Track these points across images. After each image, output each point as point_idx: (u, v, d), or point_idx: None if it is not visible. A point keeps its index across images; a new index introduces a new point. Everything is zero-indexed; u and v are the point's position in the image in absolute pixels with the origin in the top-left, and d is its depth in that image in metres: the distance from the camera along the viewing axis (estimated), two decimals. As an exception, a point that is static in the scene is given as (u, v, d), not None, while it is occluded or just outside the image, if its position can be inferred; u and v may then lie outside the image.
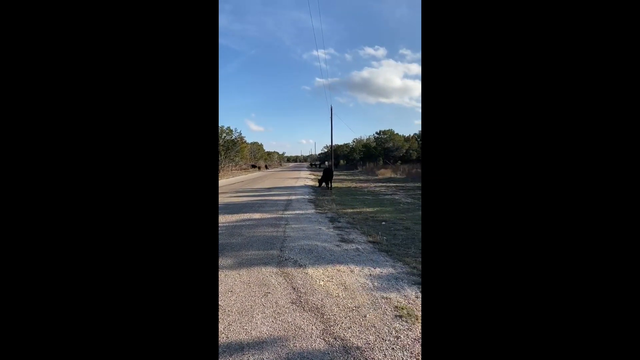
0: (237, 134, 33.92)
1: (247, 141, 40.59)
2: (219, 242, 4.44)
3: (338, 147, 47.13)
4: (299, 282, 3.01)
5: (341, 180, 16.27)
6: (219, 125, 31.96)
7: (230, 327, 2.21)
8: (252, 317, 2.35)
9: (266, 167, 44.52)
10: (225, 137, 32.48)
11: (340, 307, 2.51)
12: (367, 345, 1.99)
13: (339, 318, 2.33)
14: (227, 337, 2.08)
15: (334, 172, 14.08)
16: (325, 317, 2.35)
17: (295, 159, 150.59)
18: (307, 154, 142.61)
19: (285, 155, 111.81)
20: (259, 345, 2.00)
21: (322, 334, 2.12)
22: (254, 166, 42.77)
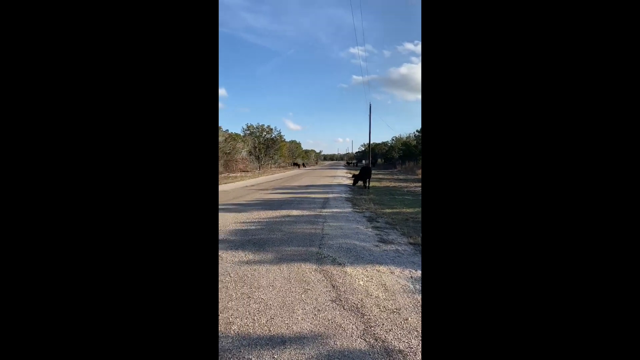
0: (277, 133, 34.73)
1: (286, 140, 41.43)
2: (260, 237, 4.58)
3: (376, 145, 46.40)
4: (338, 280, 3.01)
5: (379, 180, 16.00)
6: (259, 124, 32.91)
7: (273, 320, 2.27)
8: (293, 312, 2.39)
9: (303, 165, 45.17)
10: (265, 135, 33.42)
11: (381, 308, 2.47)
12: (409, 349, 1.93)
13: (379, 319, 2.29)
14: (270, 331, 2.14)
15: (372, 171, 13.88)
16: (365, 317, 2.33)
17: (331, 158, 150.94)
18: (344, 152, 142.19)
19: (322, 153, 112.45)
20: (300, 340, 2.03)
21: (363, 334, 2.10)
22: (295, 164, 43.58)
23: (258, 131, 32.79)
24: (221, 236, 4.68)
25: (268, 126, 33.70)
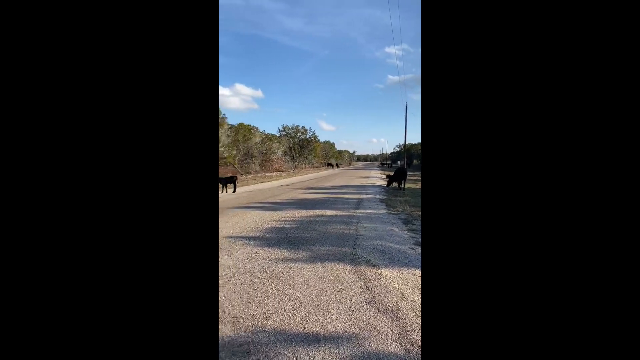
0: (311, 133, 35.08)
1: (320, 140, 41.70)
2: (295, 235, 4.66)
3: (412, 146, 45.11)
4: (372, 282, 2.98)
5: (415, 181, 15.56)
6: (294, 125, 33.42)
7: (307, 318, 2.30)
8: (327, 311, 2.41)
9: (337, 165, 45.15)
10: (300, 136, 33.90)
11: (417, 312, 2.40)
12: (448, 357, 1.86)
13: (416, 324, 2.23)
14: (305, 328, 2.17)
15: (408, 172, 13.52)
16: (401, 320, 2.28)
17: (365, 158, 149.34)
18: (378, 153, 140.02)
19: (356, 154, 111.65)
20: (334, 340, 2.04)
21: (398, 338, 2.06)
22: (329, 164, 43.75)
23: (293, 132, 33.33)
24: (258, 234, 4.82)
25: (303, 127, 34.14)
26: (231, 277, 3.09)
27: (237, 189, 11.51)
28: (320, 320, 2.27)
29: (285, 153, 31.33)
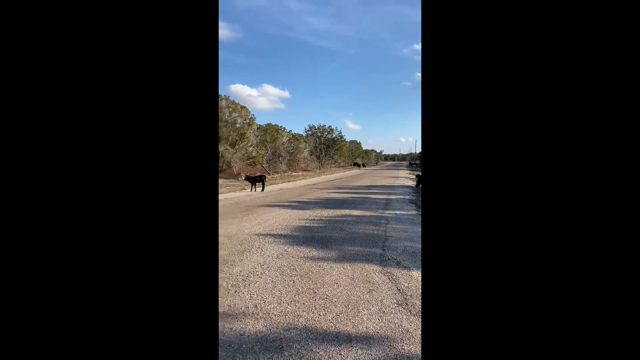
0: (337, 133, 35.04)
1: (346, 139, 41.53)
2: (323, 234, 4.67)
3: (441, 145, 43.58)
4: (403, 284, 2.92)
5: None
6: (321, 124, 33.53)
7: (338, 317, 2.30)
8: (358, 311, 2.39)
9: (363, 165, 44.77)
10: (326, 135, 33.97)
11: (452, 317, 2.32)
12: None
13: (450, 329, 2.16)
14: (336, 327, 2.17)
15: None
16: (434, 325, 2.21)
17: (392, 158, 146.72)
18: (406, 152, 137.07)
19: (383, 153, 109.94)
20: (366, 340, 2.02)
21: (433, 343, 2.00)
22: (355, 164, 43.51)
23: (319, 131, 33.47)
24: (286, 232, 4.89)
25: (329, 126, 34.20)
26: (262, 273, 3.16)
27: (265, 188, 11.74)
28: (352, 321, 2.26)
29: (311, 152, 31.53)
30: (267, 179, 13.00)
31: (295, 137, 28.87)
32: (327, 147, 33.94)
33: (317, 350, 1.91)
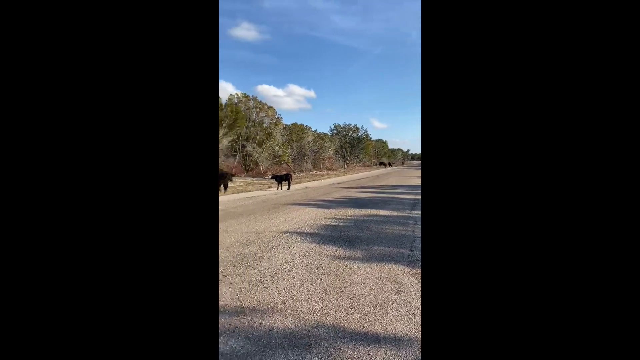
0: (363, 132, 34.74)
1: (372, 138, 41.07)
2: (349, 234, 4.65)
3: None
4: (433, 286, 2.84)
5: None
6: (346, 123, 33.37)
7: (366, 317, 2.28)
8: (386, 312, 2.35)
9: (389, 164, 44.05)
10: (351, 134, 33.79)
11: (486, 322, 2.23)
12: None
13: (484, 335, 2.07)
14: (364, 327, 2.15)
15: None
16: (467, 329, 2.14)
17: (420, 157, 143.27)
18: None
19: (410, 152, 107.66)
20: (395, 342, 1.99)
21: (465, 348, 1.93)
22: (381, 163, 42.95)
23: (344, 130, 33.35)
24: (312, 230, 4.91)
25: (355, 125, 33.98)
26: (290, 270, 3.19)
27: (290, 187, 11.87)
28: (380, 321, 2.23)
29: (336, 152, 31.49)
30: (292, 178, 13.14)
31: (321, 137, 28.95)
32: (353, 146, 33.75)
33: (346, 349, 1.90)
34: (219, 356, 1.85)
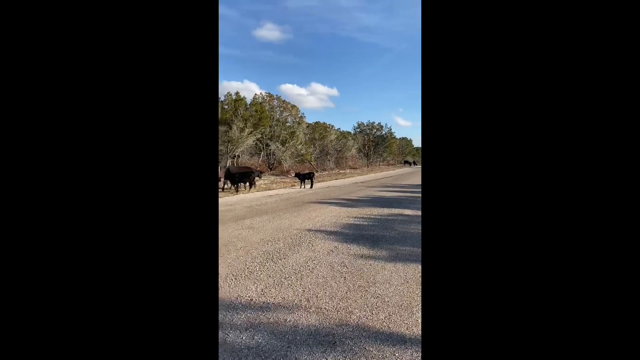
0: (387, 130, 34.23)
1: (396, 137, 40.37)
2: (373, 233, 4.60)
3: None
4: (461, 288, 2.75)
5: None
6: (369, 121, 33.03)
7: (391, 318, 2.24)
8: (412, 313, 2.31)
9: (414, 163, 43.10)
10: (375, 132, 33.39)
11: (518, 328, 2.13)
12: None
13: (517, 341, 1.98)
14: (389, 327, 2.12)
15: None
16: (498, 334, 2.05)
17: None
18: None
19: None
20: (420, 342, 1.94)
21: (496, 354, 1.85)
22: (406, 162, 42.19)
23: (368, 128, 33.01)
24: (336, 229, 4.91)
25: (378, 123, 33.58)
26: (313, 268, 3.21)
27: (313, 185, 11.92)
28: (405, 322, 2.19)
29: (359, 150, 31.26)
30: (315, 177, 13.20)
31: (344, 135, 28.85)
32: (376, 145, 33.36)
33: (370, 349, 1.88)
34: (224, 356, 1.89)
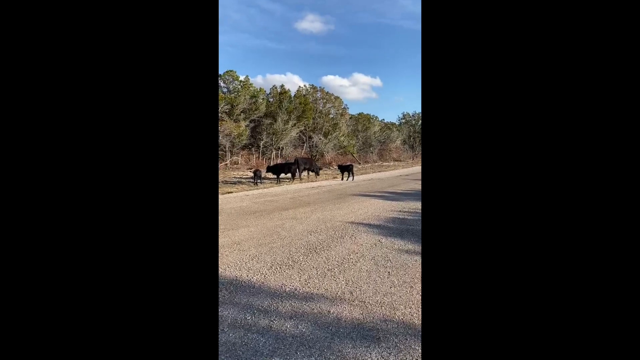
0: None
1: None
2: (419, 228, 4.43)
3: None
4: (518, 291, 2.54)
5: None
6: (415, 112, 31.75)
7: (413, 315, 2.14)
8: (462, 314, 2.18)
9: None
10: (421, 123, 32.03)
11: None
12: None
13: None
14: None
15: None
16: (562, 345, 1.86)
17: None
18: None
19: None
20: (472, 347, 1.83)
21: None
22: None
23: (414, 119, 31.76)
24: (379, 222, 4.82)
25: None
26: (356, 261, 3.18)
27: (355, 177, 11.82)
28: (454, 323, 2.08)
29: (404, 142, 30.28)
30: (356, 169, 13.06)
31: (388, 126, 28.13)
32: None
33: (416, 347, 1.82)
34: (270, 342, 1.93)
